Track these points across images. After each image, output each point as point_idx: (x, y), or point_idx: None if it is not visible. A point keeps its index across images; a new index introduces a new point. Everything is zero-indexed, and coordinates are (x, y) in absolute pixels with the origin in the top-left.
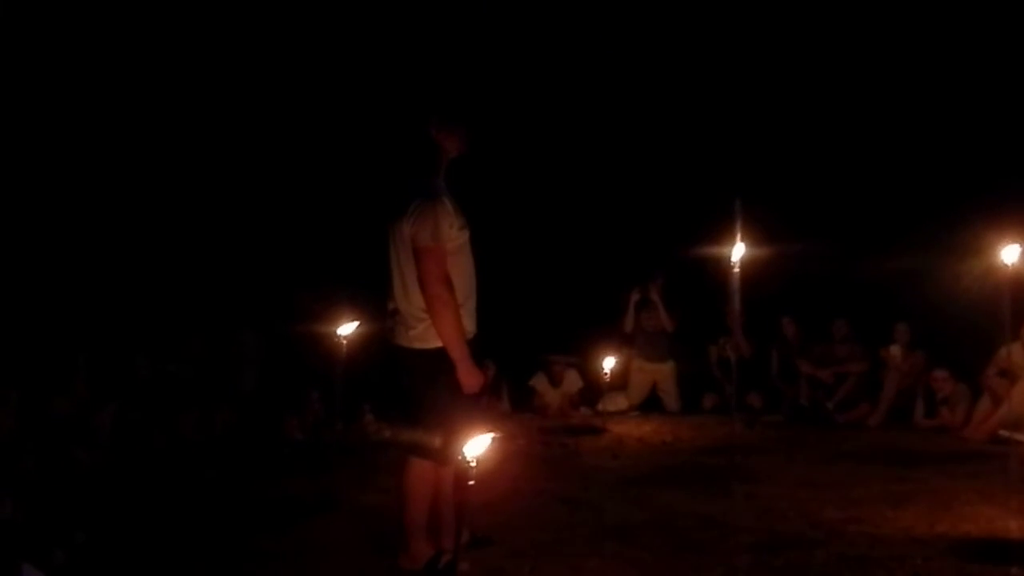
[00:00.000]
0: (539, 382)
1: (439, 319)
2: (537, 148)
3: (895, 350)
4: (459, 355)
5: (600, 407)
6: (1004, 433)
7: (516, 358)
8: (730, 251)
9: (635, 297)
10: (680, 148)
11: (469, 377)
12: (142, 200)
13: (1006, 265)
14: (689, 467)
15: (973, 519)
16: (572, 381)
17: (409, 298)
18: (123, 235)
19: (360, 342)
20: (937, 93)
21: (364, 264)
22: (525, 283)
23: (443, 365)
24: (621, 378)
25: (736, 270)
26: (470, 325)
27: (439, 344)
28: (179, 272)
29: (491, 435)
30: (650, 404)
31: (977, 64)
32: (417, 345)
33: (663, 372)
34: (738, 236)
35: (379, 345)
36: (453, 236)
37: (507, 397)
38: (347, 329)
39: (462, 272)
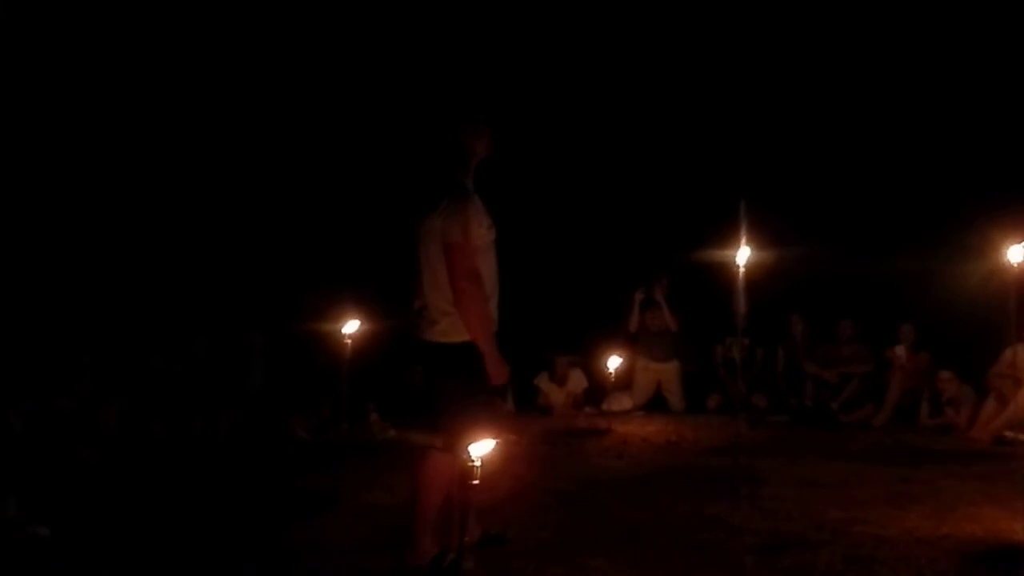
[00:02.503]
0: (543, 382)
1: (468, 313)
2: (543, 149)
3: (900, 351)
4: (487, 347)
5: (604, 407)
6: (1009, 434)
7: (521, 357)
8: (735, 253)
9: (639, 297)
10: (686, 150)
11: (496, 369)
12: (149, 202)
13: (1012, 264)
14: (694, 467)
15: (978, 520)
16: (577, 381)
17: (436, 294)
18: (130, 236)
19: (365, 341)
20: (941, 95)
21: (369, 264)
22: (530, 283)
23: (465, 359)
24: (626, 378)
25: (741, 271)
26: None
27: (462, 339)
28: (185, 273)
29: (496, 440)
30: (655, 404)
31: (980, 65)
32: (440, 339)
33: (668, 372)
34: (743, 239)
35: (398, 341)
36: (482, 234)
37: (512, 397)
38: (352, 328)
39: (487, 270)
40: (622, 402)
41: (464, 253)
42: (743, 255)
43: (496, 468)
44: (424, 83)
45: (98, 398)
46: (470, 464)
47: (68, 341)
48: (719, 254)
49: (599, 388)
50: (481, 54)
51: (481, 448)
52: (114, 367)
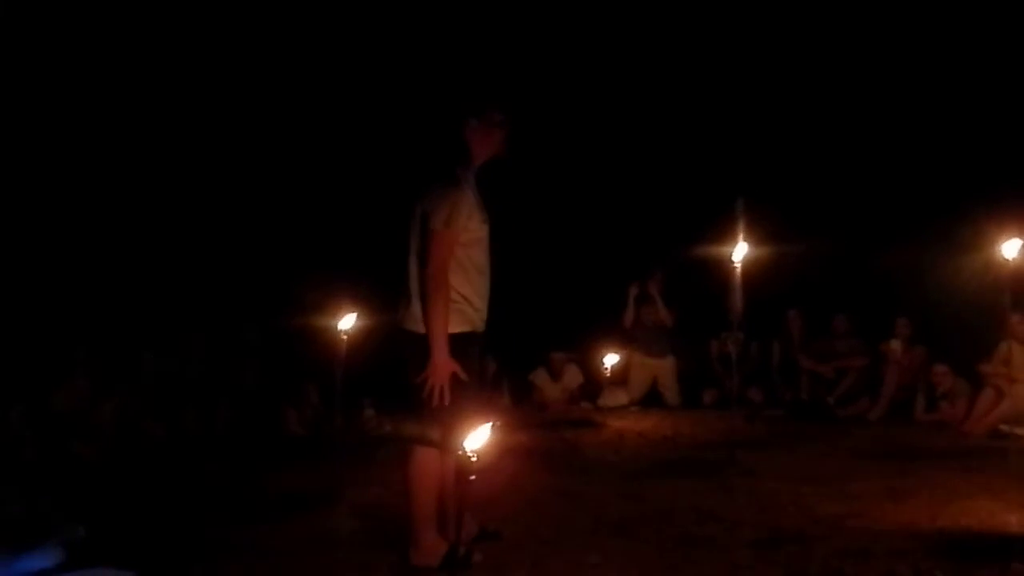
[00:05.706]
0: (539, 377)
1: (429, 302)
2: (538, 145)
3: (895, 345)
4: (437, 342)
5: (600, 402)
6: (1004, 427)
7: (517, 353)
8: (731, 249)
9: (634, 292)
10: (681, 145)
11: (440, 367)
12: (144, 198)
13: (1006, 260)
14: (689, 462)
15: (973, 513)
16: (572, 376)
17: (416, 281)
18: (125, 232)
19: (360, 336)
20: (936, 90)
21: (364, 258)
22: (526, 278)
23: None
24: (621, 373)
25: (737, 267)
26: (479, 323)
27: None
28: (180, 269)
29: (490, 424)
30: (650, 399)
31: (976, 61)
32: (422, 329)
33: (663, 367)
34: (740, 236)
35: (382, 337)
36: (471, 228)
37: (508, 392)
38: (347, 323)
39: (477, 266)
40: (618, 397)
41: (443, 242)
42: (740, 251)
43: (492, 462)
44: (419, 77)
45: (94, 395)
46: (465, 458)
47: (64, 339)
48: (714, 249)
49: (595, 383)
50: (477, 48)
51: (476, 440)
52: (110, 364)
